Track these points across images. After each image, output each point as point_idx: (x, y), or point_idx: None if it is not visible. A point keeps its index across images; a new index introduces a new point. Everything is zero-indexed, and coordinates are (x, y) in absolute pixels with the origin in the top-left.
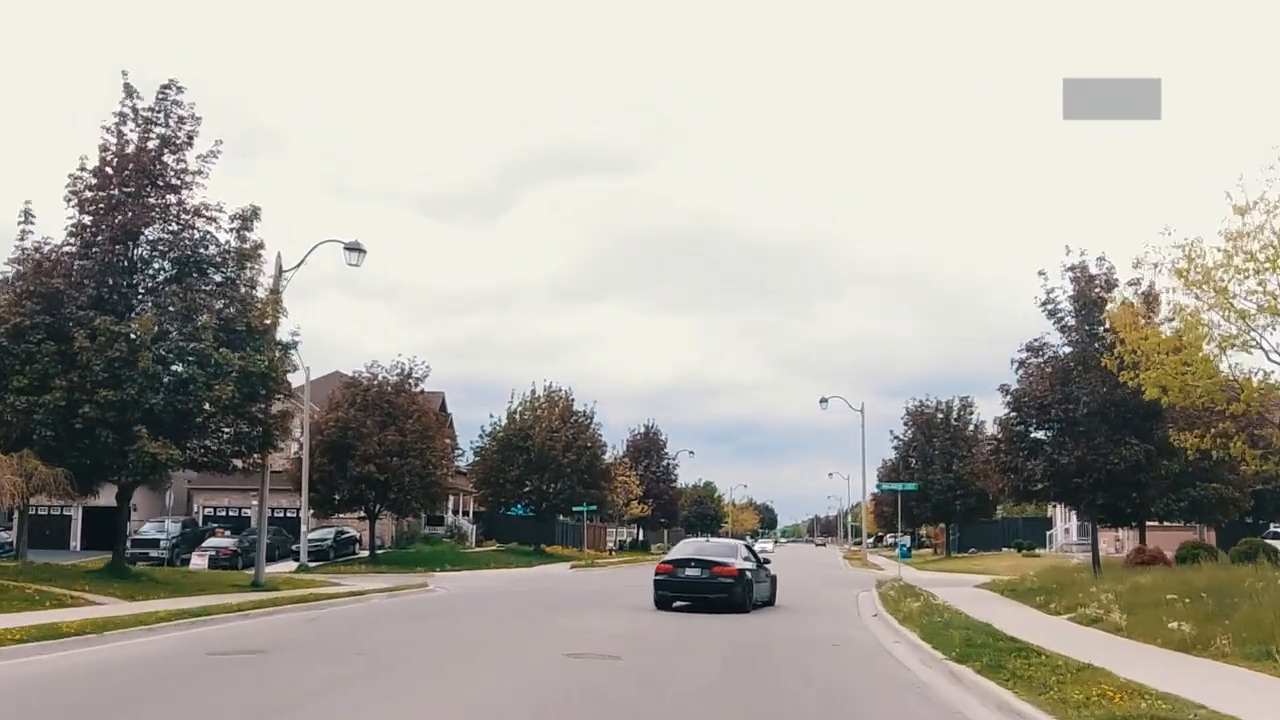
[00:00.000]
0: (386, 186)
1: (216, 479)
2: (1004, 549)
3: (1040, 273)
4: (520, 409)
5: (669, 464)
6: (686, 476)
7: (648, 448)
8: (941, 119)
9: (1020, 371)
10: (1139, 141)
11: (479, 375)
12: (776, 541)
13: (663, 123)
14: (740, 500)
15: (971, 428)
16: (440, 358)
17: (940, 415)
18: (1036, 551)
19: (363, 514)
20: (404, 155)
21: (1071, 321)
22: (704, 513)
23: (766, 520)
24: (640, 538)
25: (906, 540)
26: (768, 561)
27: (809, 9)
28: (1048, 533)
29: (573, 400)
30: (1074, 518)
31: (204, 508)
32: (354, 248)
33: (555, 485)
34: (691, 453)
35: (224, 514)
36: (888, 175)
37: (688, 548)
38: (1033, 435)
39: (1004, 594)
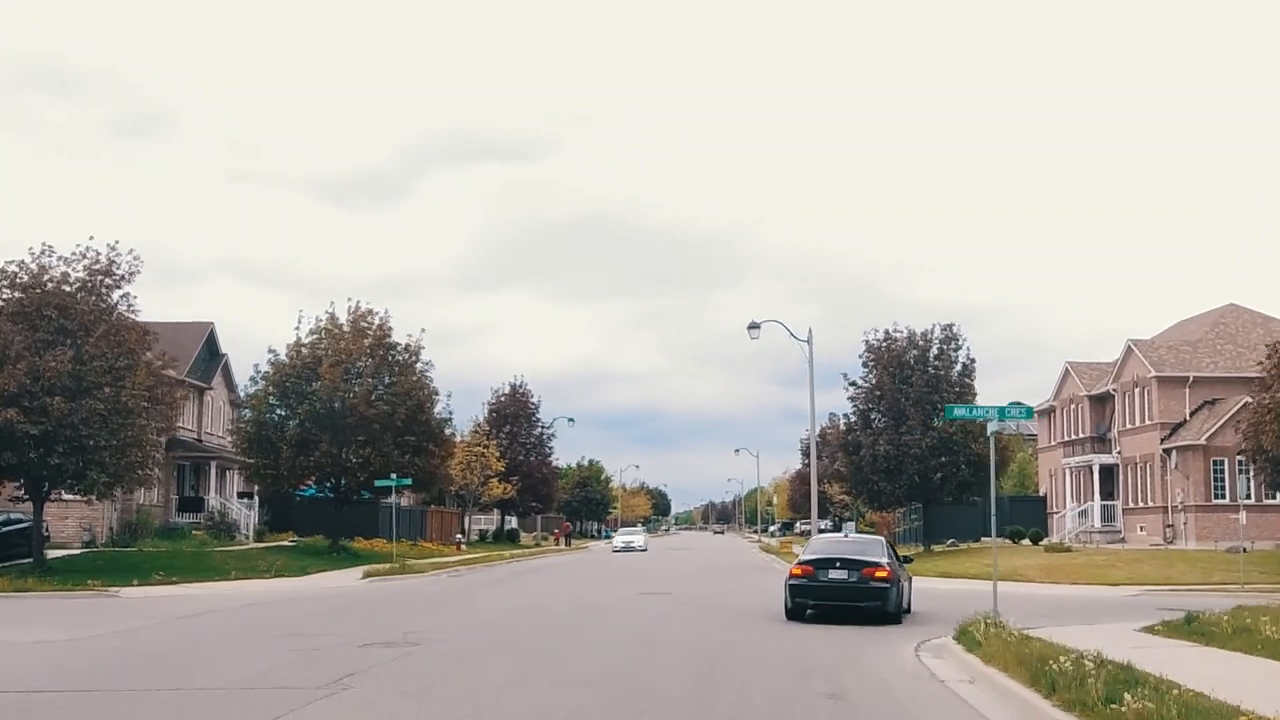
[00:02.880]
0: (282, 170)
1: None
2: (985, 539)
3: None
4: (310, 339)
5: (542, 433)
6: (568, 455)
7: (514, 412)
8: (842, 107)
9: None
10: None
11: None
12: (668, 529)
13: (565, 110)
14: (631, 483)
15: (958, 368)
16: None
17: (914, 353)
18: (1067, 546)
19: (23, 492)
20: (300, 138)
21: None
22: (589, 496)
23: (660, 506)
24: (507, 526)
25: (851, 528)
26: (909, 560)
27: None
28: (1053, 516)
29: (390, 329)
30: (1096, 496)
31: None
32: None
33: (365, 451)
34: (571, 420)
35: None
36: (788, 165)
37: (825, 545)
38: None
39: None
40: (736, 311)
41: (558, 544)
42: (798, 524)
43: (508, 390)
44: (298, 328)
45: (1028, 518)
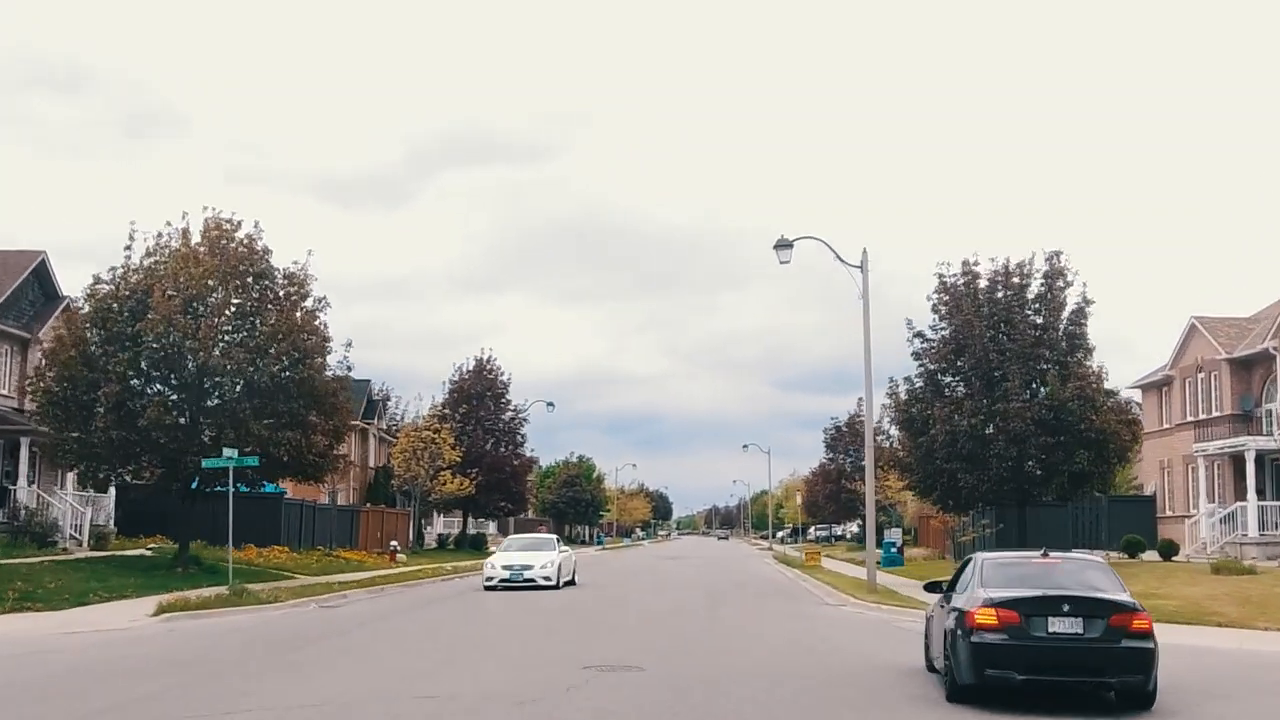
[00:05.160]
0: (289, 171)
1: None
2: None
3: None
4: (148, 262)
5: (514, 417)
6: (558, 454)
7: (480, 392)
8: (848, 109)
9: None
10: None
11: (376, 364)
12: (669, 534)
13: (570, 111)
14: (630, 485)
15: (1068, 311)
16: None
17: (1008, 293)
18: (1247, 566)
19: None
20: (303, 139)
21: None
22: (577, 497)
23: (660, 509)
24: (473, 530)
25: (897, 536)
26: None
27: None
28: (1183, 522)
29: (267, 252)
30: (1251, 495)
31: None
32: None
33: (217, 421)
34: (550, 405)
35: None
36: (794, 167)
37: (1020, 570)
38: None
39: None
40: (741, 315)
41: None
42: (812, 529)
43: (471, 366)
44: (129, 247)
45: (1132, 524)
